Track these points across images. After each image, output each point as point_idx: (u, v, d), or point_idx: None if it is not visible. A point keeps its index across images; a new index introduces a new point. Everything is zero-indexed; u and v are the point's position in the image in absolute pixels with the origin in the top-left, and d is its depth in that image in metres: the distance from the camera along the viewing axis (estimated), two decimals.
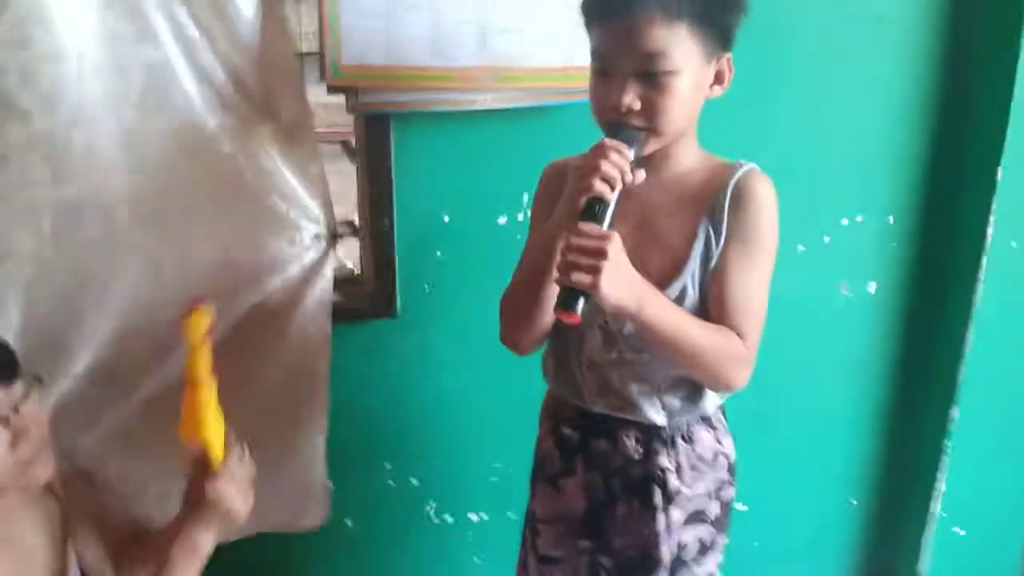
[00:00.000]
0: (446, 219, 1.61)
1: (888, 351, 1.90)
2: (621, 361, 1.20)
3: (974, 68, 1.69)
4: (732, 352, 1.12)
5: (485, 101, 1.50)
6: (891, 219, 1.79)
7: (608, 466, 1.26)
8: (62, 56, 1.22)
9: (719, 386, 1.19)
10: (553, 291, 1.05)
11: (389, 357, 1.70)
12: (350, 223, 1.87)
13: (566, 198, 1.09)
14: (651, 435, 1.22)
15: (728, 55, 1.09)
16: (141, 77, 1.29)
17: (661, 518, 1.24)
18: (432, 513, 1.86)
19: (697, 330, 1.10)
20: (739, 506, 1.89)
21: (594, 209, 1.02)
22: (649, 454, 1.23)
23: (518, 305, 1.20)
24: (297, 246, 1.44)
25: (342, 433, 1.57)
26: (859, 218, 1.77)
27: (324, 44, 1.41)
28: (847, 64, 1.67)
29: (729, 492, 1.30)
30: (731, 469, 1.29)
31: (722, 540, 1.32)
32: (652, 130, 1.07)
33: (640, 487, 1.24)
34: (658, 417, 1.21)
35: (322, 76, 1.44)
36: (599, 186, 1.02)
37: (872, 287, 1.84)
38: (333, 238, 1.46)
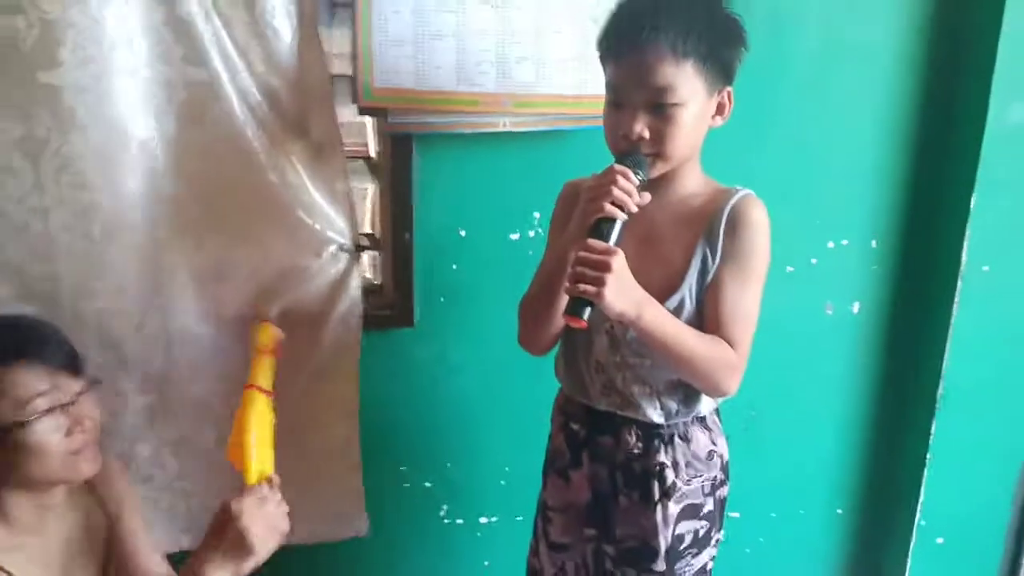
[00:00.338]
0: (462, 234, 1.66)
1: (871, 367, 1.91)
2: (624, 364, 1.26)
3: (949, 109, 1.72)
4: (724, 359, 1.18)
5: (505, 125, 1.55)
6: (874, 243, 1.82)
7: (612, 460, 1.31)
8: (119, 72, 1.30)
9: (711, 390, 1.24)
10: (564, 299, 1.12)
11: (407, 364, 1.75)
12: (368, 235, 1.95)
13: (578, 216, 1.16)
14: (650, 433, 1.28)
15: (729, 88, 1.17)
16: (185, 93, 1.36)
17: (659, 511, 1.29)
18: (444, 515, 1.89)
19: (692, 339, 1.16)
20: (732, 514, 1.90)
21: (602, 228, 1.10)
22: (648, 450, 1.28)
23: (534, 310, 1.27)
24: (323, 258, 1.48)
25: (360, 436, 1.61)
26: (844, 242, 1.81)
27: (357, 68, 1.45)
28: (835, 104, 1.72)
29: (723, 490, 1.36)
30: (724, 468, 1.35)
31: (716, 535, 1.37)
32: (659, 156, 1.15)
33: (640, 481, 1.29)
34: (657, 416, 1.27)
35: (354, 98, 1.48)
36: (608, 208, 1.09)
37: (856, 307, 1.86)
38: (358, 250, 1.51)
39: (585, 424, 1.34)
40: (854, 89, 1.72)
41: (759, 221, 1.20)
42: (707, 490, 1.33)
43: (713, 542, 1.37)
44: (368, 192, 2.31)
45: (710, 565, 1.39)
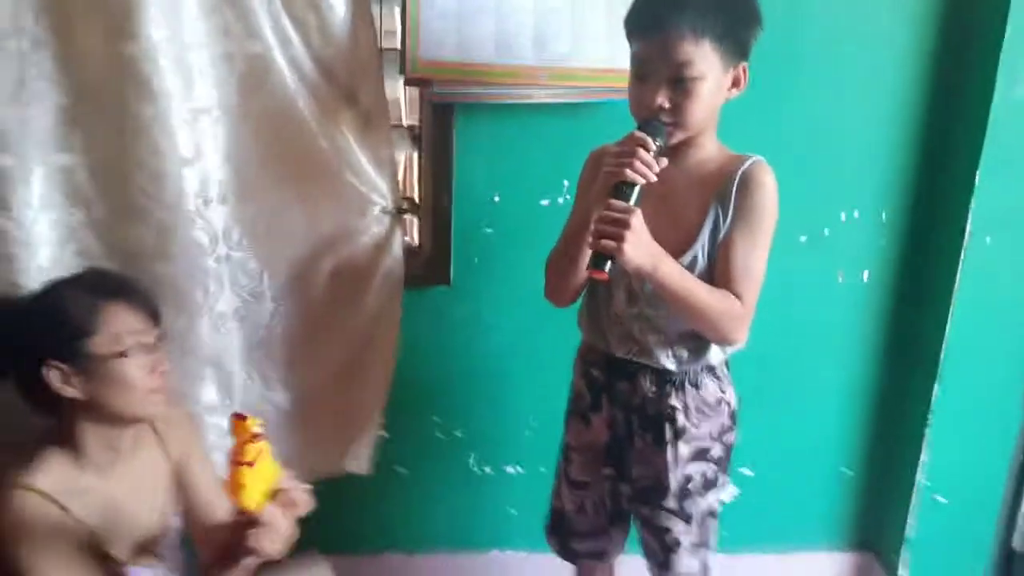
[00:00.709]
0: (496, 199, 1.73)
1: (878, 333, 1.94)
2: (641, 315, 1.34)
3: (956, 87, 1.75)
4: (731, 311, 1.26)
5: (540, 96, 1.61)
6: (883, 215, 1.85)
7: (629, 404, 1.40)
8: (188, 46, 1.39)
9: (721, 339, 1.32)
10: (587, 254, 1.21)
11: (443, 321, 1.82)
12: (408, 199, 2.04)
13: (601, 179, 1.23)
14: (663, 378, 1.36)
15: (744, 63, 1.25)
16: (244, 65, 1.45)
17: (670, 451, 1.37)
18: (473, 463, 1.96)
19: (703, 292, 1.24)
20: (745, 471, 1.99)
21: (623, 190, 1.18)
22: (661, 395, 1.37)
23: (559, 265, 1.36)
24: (368, 218, 1.57)
25: (396, 388, 1.68)
26: (855, 213, 1.84)
27: (405, 41, 1.51)
28: (847, 82, 1.75)
29: (730, 436, 1.43)
30: (732, 416, 1.42)
31: (724, 479, 1.45)
32: (677, 124, 1.23)
33: (653, 423, 1.39)
34: (669, 363, 1.35)
35: (401, 70, 1.54)
36: (628, 174, 1.18)
37: (865, 275, 1.89)
38: (399, 212, 1.59)
39: (604, 370, 1.43)
40: (866, 67, 1.75)
41: (768, 184, 1.27)
42: (715, 435, 1.41)
43: (720, 484, 1.45)
44: (401, 159, 2.38)
45: (717, 507, 1.46)
